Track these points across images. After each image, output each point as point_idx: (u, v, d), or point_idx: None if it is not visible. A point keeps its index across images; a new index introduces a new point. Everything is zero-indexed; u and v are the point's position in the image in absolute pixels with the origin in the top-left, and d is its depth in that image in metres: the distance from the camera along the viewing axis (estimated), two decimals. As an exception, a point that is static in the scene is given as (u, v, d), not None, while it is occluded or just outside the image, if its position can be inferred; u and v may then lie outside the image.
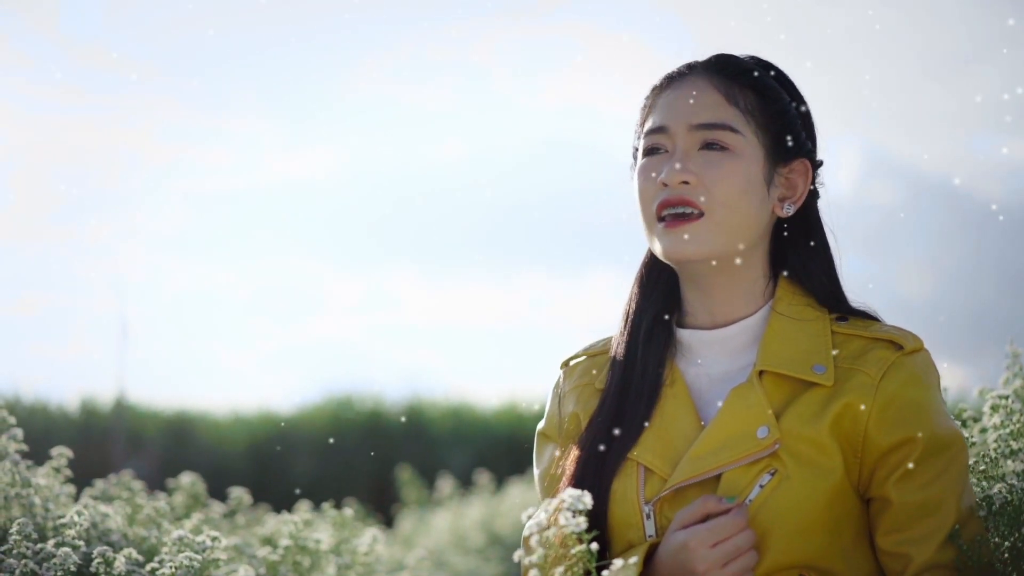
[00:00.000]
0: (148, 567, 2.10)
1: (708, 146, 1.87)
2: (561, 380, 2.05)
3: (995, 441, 2.00)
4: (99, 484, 3.16)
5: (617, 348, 1.98)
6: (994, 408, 2.08)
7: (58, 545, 2.13)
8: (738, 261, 1.90)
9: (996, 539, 1.81)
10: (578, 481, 1.89)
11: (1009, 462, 1.96)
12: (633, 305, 2.00)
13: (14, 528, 2.13)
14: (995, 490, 1.85)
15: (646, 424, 1.89)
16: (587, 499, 1.59)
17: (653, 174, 1.89)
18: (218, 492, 3.74)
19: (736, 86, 1.90)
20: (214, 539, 2.21)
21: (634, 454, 1.88)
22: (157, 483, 3.87)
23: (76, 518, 2.26)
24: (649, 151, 1.91)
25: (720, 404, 1.86)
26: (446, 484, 7.27)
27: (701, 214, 1.86)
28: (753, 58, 1.95)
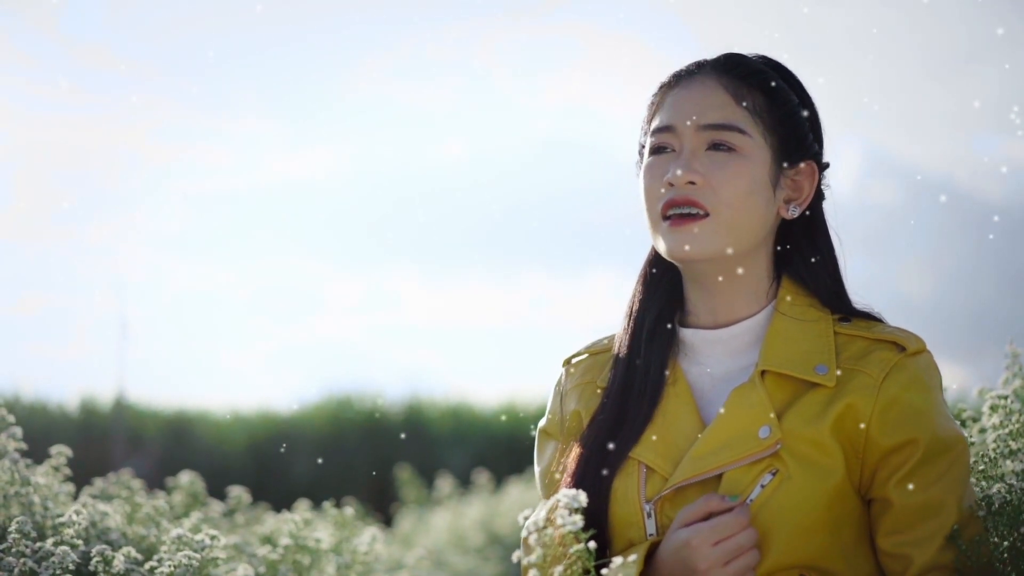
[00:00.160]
0: (147, 566, 2.10)
1: (715, 147, 1.87)
2: (563, 378, 2.05)
3: (994, 441, 1.99)
4: (98, 483, 3.16)
5: (620, 346, 1.98)
6: (993, 408, 2.07)
7: (57, 544, 2.13)
8: (742, 262, 1.89)
9: (995, 539, 1.81)
10: (579, 479, 1.88)
11: (1008, 462, 1.95)
12: (636, 304, 1.99)
13: (13, 526, 2.13)
14: (994, 490, 1.85)
15: (648, 423, 1.89)
16: (583, 498, 1.60)
17: (659, 173, 1.88)
18: (217, 491, 3.74)
19: (745, 87, 1.89)
20: (213, 538, 2.21)
21: (635, 453, 1.88)
22: (156, 482, 3.88)
23: (75, 517, 2.26)
24: (656, 150, 1.91)
25: (722, 404, 1.86)
26: (445, 484, 7.27)
27: (706, 214, 1.85)
28: (762, 58, 1.94)
